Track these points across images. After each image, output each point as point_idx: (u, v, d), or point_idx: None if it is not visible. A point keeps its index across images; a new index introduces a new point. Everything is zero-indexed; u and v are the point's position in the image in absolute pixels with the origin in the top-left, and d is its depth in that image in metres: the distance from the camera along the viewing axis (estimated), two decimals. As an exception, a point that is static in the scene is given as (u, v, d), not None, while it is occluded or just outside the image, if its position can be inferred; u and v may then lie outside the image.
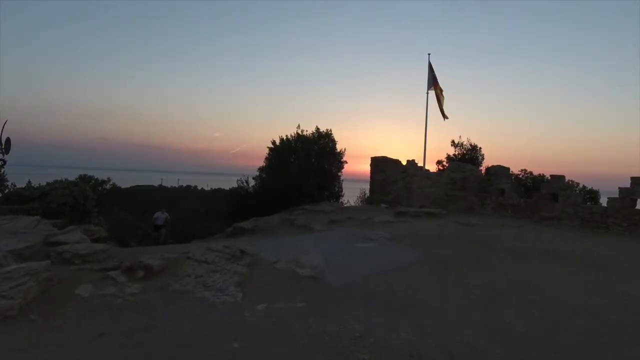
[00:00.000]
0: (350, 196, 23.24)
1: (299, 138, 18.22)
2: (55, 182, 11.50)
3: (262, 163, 19.07)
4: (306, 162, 17.26)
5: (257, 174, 19.48)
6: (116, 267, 6.31)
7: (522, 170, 16.09)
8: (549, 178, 14.57)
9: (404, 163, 20.57)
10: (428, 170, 19.71)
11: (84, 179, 12.38)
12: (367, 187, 24.33)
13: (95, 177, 12.80)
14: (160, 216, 15.24)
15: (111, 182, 12.86)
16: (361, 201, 23.68)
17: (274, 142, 18.33)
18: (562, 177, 13.61)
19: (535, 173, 15.86)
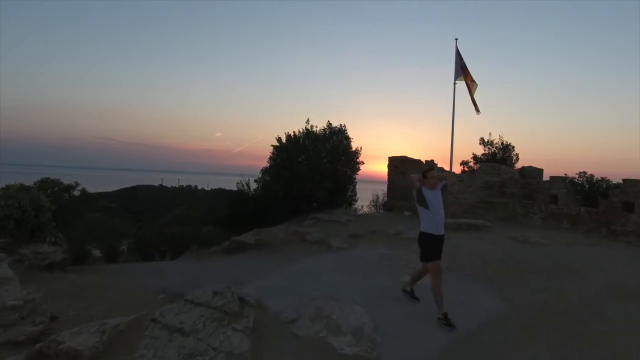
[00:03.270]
0: (362, 199, 20.70)
1: (308, 135, 15.62)
2: (4, 187, 8.94)
3: (264, 164, 16.53)
4: (318, 162, 14.68)
5: (260, 175, 16.90)
6: (31, 339, 3.77)
7: (579, 173, 13.56)
8: (618, 183, 11.97)
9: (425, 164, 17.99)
10: (455, 173, 17.18)
11: (45, 181, 9.84)
12: (378, 188, 21.88)
13: (60, 181, 10.24)
14: (437, 209, 4.92)
15: (80, 187, 10.31)
16: (374, 205, 21.18)
17: (279, 140, 15.72)
18: (638, 181, 11.03)
19: (598, 176, 13.26)
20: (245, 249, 11.66)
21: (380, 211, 19.06)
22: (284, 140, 15.72)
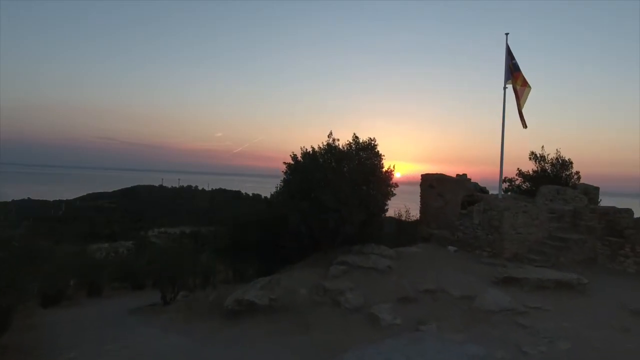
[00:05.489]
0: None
1: (331, 152, 12.44)
2: None
3: (264, 163, 13.56)
4: (344, 188, 11.59)
5: (270, 196, 13.85)
6: None
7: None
8: None
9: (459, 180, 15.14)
10: (503, 196, 14.14)
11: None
12: (399, 203, 18.95)
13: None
14: None
15: (19, 236, 7.35)
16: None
17: (294, 157, 12.57)
18: None
19: None
20: (255, 314, 8.62)
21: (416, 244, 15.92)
22: (299, 157, 12.57)
